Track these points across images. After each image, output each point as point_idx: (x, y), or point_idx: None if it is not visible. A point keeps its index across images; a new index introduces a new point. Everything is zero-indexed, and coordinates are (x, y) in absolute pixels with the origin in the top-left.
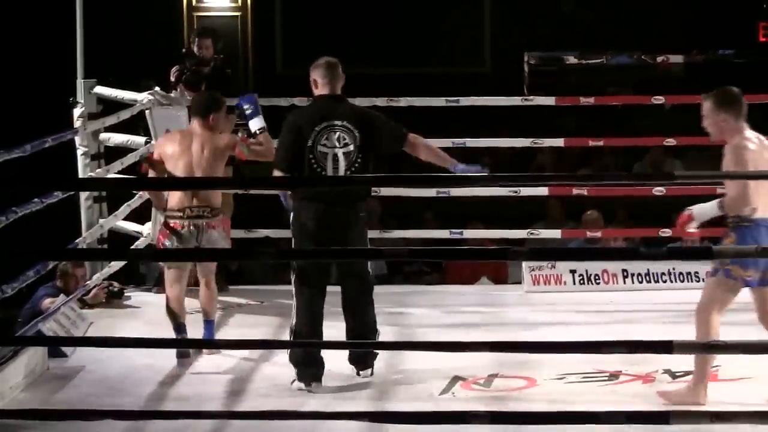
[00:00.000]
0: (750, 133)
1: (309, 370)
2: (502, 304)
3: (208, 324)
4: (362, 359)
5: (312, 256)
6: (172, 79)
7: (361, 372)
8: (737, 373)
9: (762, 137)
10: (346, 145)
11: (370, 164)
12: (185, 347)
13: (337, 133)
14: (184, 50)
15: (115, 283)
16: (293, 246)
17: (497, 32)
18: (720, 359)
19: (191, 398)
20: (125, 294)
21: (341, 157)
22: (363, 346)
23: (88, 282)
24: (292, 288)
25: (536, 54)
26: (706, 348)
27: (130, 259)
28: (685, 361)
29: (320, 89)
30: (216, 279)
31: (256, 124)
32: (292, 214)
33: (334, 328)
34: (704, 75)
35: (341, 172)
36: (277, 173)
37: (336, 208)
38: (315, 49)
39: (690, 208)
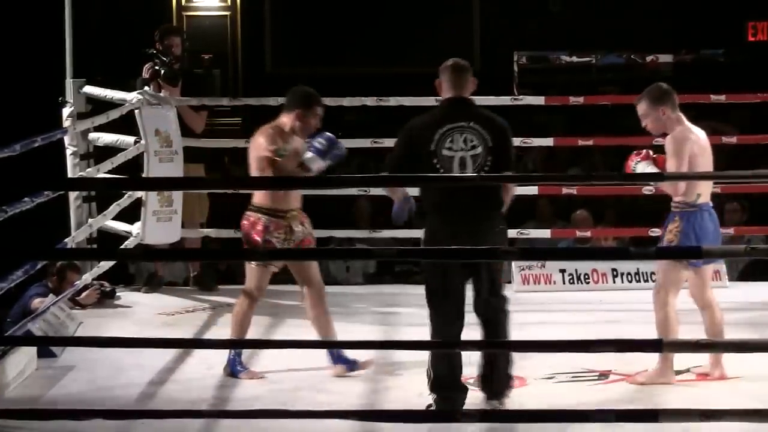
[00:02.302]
0: (688, 124)
1: (452, 394)
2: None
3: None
4: (495, 386)
5: (301, 257)
6: (146, 76)
7: (492, 401)
8: (727, 371)
9: (698, 129)
10: (474, 147)
11: (501, 169)
12: (174, 347)
13: (464, 135)
14: (152, 50)
15: (106, 284)
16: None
17: (486, 32)
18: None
19: (181, 398)
20: (116, 294)
21: (469, 161)
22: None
23: (77, 282)
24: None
25: (526, 53)
26: (696, 347)
27: (120, 258)
28: (675, 361)
29: (445, 92)
30: (205, 279)
31: (314, 162)
32: (424, 233)
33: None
34: (693, 74)
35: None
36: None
37: (471, 219)
38: (304, 48)
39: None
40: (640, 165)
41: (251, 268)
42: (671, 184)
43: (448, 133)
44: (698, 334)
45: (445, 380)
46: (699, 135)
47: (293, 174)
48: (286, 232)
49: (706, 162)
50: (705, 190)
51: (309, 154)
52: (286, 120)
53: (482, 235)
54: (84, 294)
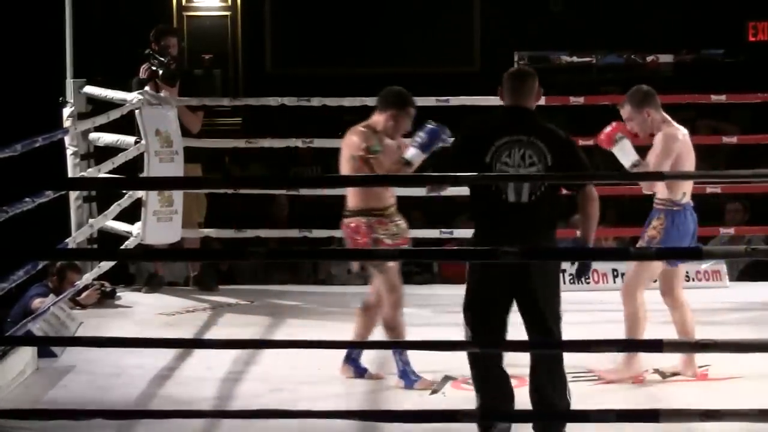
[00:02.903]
0: (674, 123)
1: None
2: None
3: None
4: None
5: (301, 257)
6: (143, 76)
7: None
8: (728, 371)
9: (683, 128)
10: (532, 164)
11: (558, 191)
12: (174, 347)
13: (523, 150)
14: (149, 50)
15: (107, 284)
16: (467, 293)
17: (487, 32)
18: (711, 358)
19: (182, 398)
20: (116, 294)
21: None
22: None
23: (78, 283)
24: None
25: (526, 53)
26: (696, 347)
27: (120, 259)
28: (675, 361)
29: (505, 99)
30: (205, 279)
31: (413, 153)
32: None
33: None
34: (693, 74)
35: (525, 197)
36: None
37: (519, 241)
38: (304, 48)
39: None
40: (626, 141)
41: (387, 268)
42: (662, 185)
43: (505, 147)
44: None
45: (492, 410)
46: (685, 134)
47: (391, 172)
48: (390, 227)
49: (690, 162)
50: (689, 190)
51: (411, 150)
52: (378, 119)
53: (532, 266)
54: (84, 294)
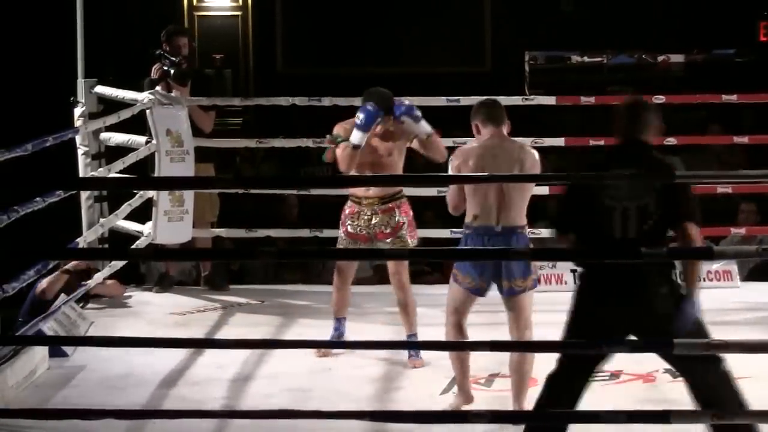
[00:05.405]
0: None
1: None
2: (502, 303)
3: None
4: None
5: (311, 256)
6: (154, 76)
7: None
8: (738, 372)
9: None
10: (640, 197)
11: (667, 228)
12: (185, 347)
13: (632, 183)
14: (160, 51)
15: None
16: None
17: (498, 32)
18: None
19: (192, 398)
20: (125, 294)
21: (632, 213)
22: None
23: (89, 282)
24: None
25: (537, 53)
26: (707, 347)
27: (131, 258)
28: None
29: (618, 132)
30: (216, 278)
31: (356, 136)
32: (576, 297)
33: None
34: (704, 74)
35: (631, 234)
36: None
37: (631, 280)
38: (316, 48)
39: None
40: None
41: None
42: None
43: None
44: None
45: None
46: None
47: (341, 156)
48: (355, 218)
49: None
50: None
51: (354, 134)
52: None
53: (644, 300)
54: (110, 282)
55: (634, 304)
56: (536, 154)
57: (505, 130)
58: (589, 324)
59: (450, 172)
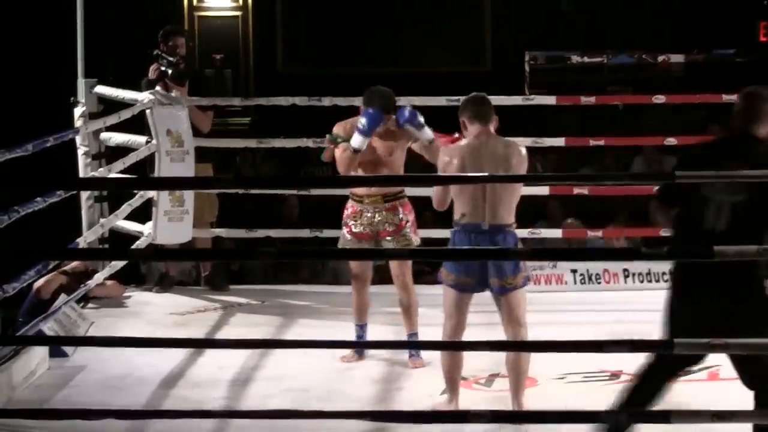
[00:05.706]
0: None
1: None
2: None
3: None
4: None
5: (311, 256)
6: (152, 77)
7: None
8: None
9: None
10: (736, 193)
11: (762, 228)
12: (186, 347)
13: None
14: (157, 51)
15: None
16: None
17: (498, 32)
18: (722, 358)
19: (192, 398)
20: (125, 294)
21: (726, 208)
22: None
23: (89, 282)
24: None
25: (537, 53)
26: (707, 347)
27: (131, 258)
28: None
29: (731, 122)
30: (216, 279)
31: (357, 140)
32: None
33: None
34: (705, 74)
35: (720, 228)
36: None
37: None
38: (316, 48)
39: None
40: None
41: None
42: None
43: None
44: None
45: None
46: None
47: (342, 158)
48: (357, 217)
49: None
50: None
51: (355, 138)
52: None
53: (737, 311)
54: (110, 283)
55: (722, 303)
56: (523, 150)
57: (492, 127)
58: (684, 322)
59: (439, 170)
